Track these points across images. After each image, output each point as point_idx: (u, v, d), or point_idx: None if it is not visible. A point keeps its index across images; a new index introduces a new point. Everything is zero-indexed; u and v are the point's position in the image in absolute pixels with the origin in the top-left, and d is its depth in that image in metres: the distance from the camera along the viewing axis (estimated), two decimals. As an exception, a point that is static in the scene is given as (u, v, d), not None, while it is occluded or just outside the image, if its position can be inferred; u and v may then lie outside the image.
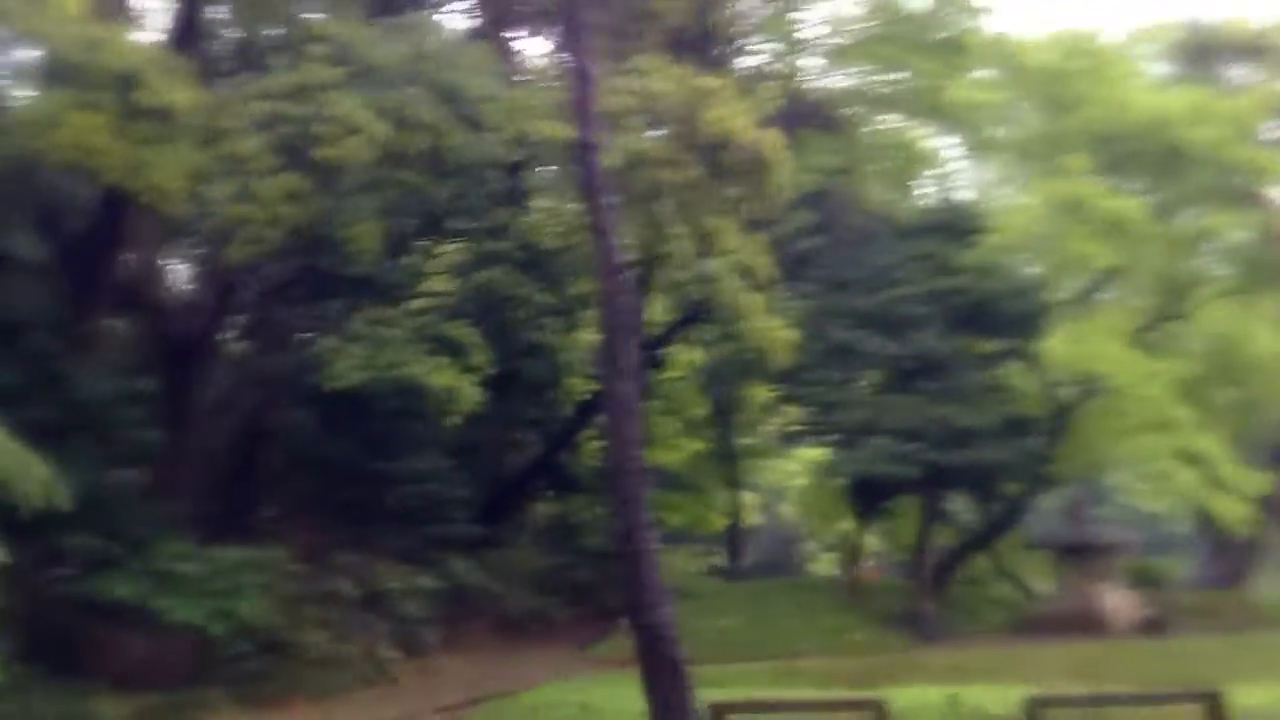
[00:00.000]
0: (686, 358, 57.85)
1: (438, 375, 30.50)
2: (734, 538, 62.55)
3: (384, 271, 34.13)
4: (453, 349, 32.13)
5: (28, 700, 25.93)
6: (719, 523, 65.48)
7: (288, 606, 31.79)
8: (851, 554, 47.76)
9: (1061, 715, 22.00)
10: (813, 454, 73.87)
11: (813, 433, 47.55)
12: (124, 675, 28.56)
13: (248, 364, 46.75)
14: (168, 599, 28.32)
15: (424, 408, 32.69)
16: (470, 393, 31.37)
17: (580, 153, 19.43)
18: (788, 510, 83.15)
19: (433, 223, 36.52)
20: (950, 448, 38.74)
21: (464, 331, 32.64)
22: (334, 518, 43.41)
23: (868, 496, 43.18)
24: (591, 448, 57.29)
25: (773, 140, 32.29)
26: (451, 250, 34.32)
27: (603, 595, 48.49)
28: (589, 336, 42.37)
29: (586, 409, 50.79)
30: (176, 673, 29.34)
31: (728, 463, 60.81)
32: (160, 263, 37.20)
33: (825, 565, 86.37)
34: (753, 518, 74.17)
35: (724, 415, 59.41)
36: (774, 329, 35.08)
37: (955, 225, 44.05)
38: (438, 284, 33.97)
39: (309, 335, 41.89)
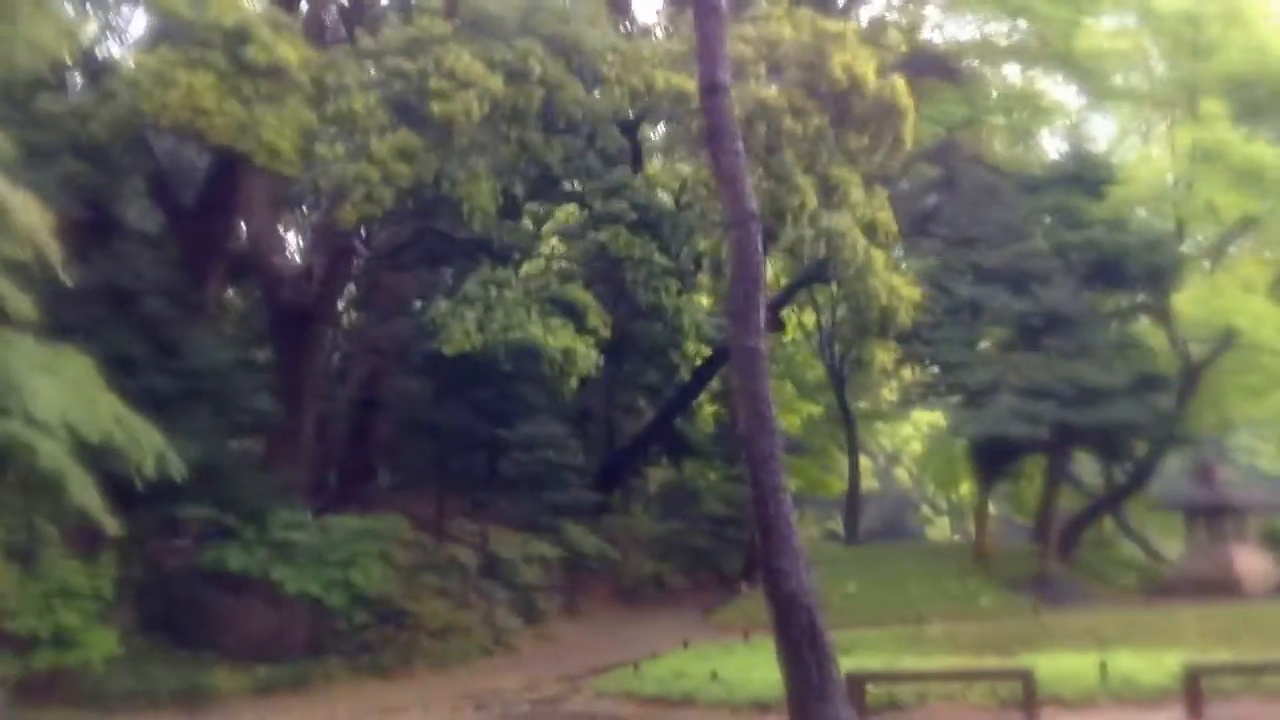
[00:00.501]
0: (801, 320, 56.48)
1: (554, 338, 29.36)
2: (851, 502, 60.88)
3: (498, 233, 33.01)
4: (568, 311, 30.97)
5: (146, 672, 25.50)
6: (836, 487, 64.00)
7: (405, 576, 31.10)
8: (976, 517, 45.76)
9: (1221, 684, 20.64)
10: (929, 417, 72.41)
11: (936, 393, 45.62)
12: (241, 647, 28.08)
13: (360, 333, 46.36)
14: (284, 569, 27.63)
15: (539, 372, 31.53)
16: (588, 355, 30.24)
17: (707, 95, 18.03)
18: (902, 475, 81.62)
19: (546, 183, 35.31)
20: (1079, 407, 36.62)
21: (579, 293, 31.50)
22: (448, 486, 42.82)
23: (992, 458, 41.25)
24: (706, 413, 56.32)
25: (901, 87, 30.63)
26: (565, 211, 32.96)
27: (720, 561, 47.62)
28: (705, 299, 41.02)
29: (702, 373, 49.61)
30: (294, 644, 28.85)
31: (845, 426, 59.12)
32: (274, 230, 36.46)
33: (940, 529, 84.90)
34: (868, 482, 72.50)
35: (840, 378, 57.72)
36: (898, 287, 33.47)
37: (1083, 177, 41.87)
38: (551, 246, 32.66)
39: (421, 302, 41.20)
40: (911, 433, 76.91)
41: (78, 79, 29.71)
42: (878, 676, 21.73)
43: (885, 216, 32.54)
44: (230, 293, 37.74)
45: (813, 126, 29.97)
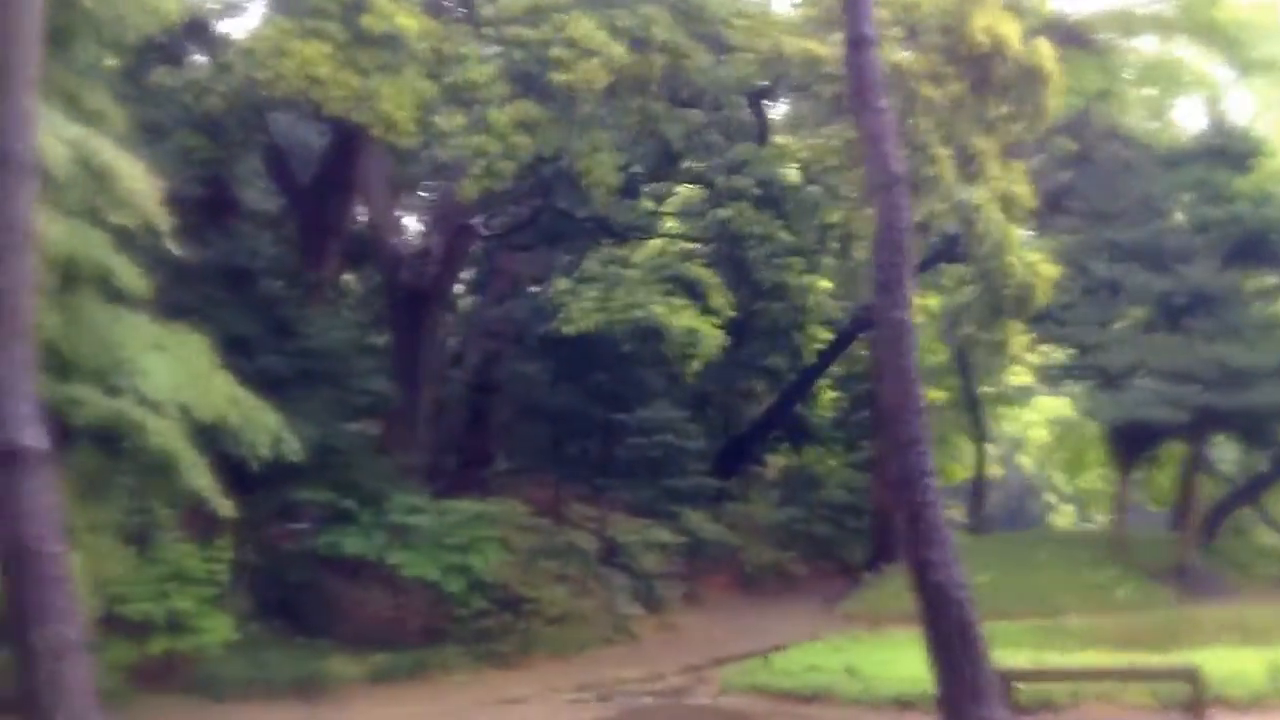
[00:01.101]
0: (923, 301, 54.59)
1: (678, 317, 28.10)
2: (977, 490, 59.03)
3: (618, 210, 31.91)
4: (690, 291, 29.75)
5: (261, 659, 24.66)
6: (961, 474, 62.11)
7: (523, 561, 30.16)
8: (1112, 505, 43.43)
9: None
10: (1054, 402, 70.17)
11: (1071, 376, 43.29)
12: (358, 633, 27.42)
13: (477, 315, 45.64)
14: (402, 554, 26.72)
15: (659, 354, 30.42)
16: (712, 336, 28.95)
17: (853, 49, 16.67)
18: (1025, 461, 79.12)
19: (666, 160, 34.13)
20: (1223, 390, 34.51)
21: (702, 272, 30.26)
22: (564, 471, 42.02)
23: (1130, 443, 39.11)
24: (825, 399, 54.85)
25: (1046, 50, 28.79)
26: (688, 188, 31.73)
27: (842, 549, 46.24)
28: (825, 282, 39.44)
29: (825, 357, 48.28)
30: (411, 630, 28.19)
31: (970, 411, 57.26)
32: (391, 210, 35.64)
33: (1064, 518, 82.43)
34: (991, 469, 70.42)
35: (966, 362, 55.79)
36: (1035, 264, 31.61)
37: (1227, 151, 39.61)
38: (673, 224, 31.49)
39: (538, 284, 40.37)
40: (1035, 419, 74.78)
41: (195, 54, 28.94)
42: (1029, 674, 20.32)
43: (1022, 191, 30.72)
44: (347, 274, 36.90)
45: (951, 93, 28.22)
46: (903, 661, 20.83)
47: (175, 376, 18.22)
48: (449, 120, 25.04)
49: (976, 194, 28.53)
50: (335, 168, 31.78)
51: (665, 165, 34.32)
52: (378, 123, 24.05)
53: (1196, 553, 38.11)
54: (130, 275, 17.96)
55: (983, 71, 28.24)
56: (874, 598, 35.42)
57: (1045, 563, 37.44)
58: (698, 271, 30.35)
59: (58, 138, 15.06)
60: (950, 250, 38.59)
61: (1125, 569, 36.54)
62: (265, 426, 20.05)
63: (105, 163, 16.27)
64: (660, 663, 27.85)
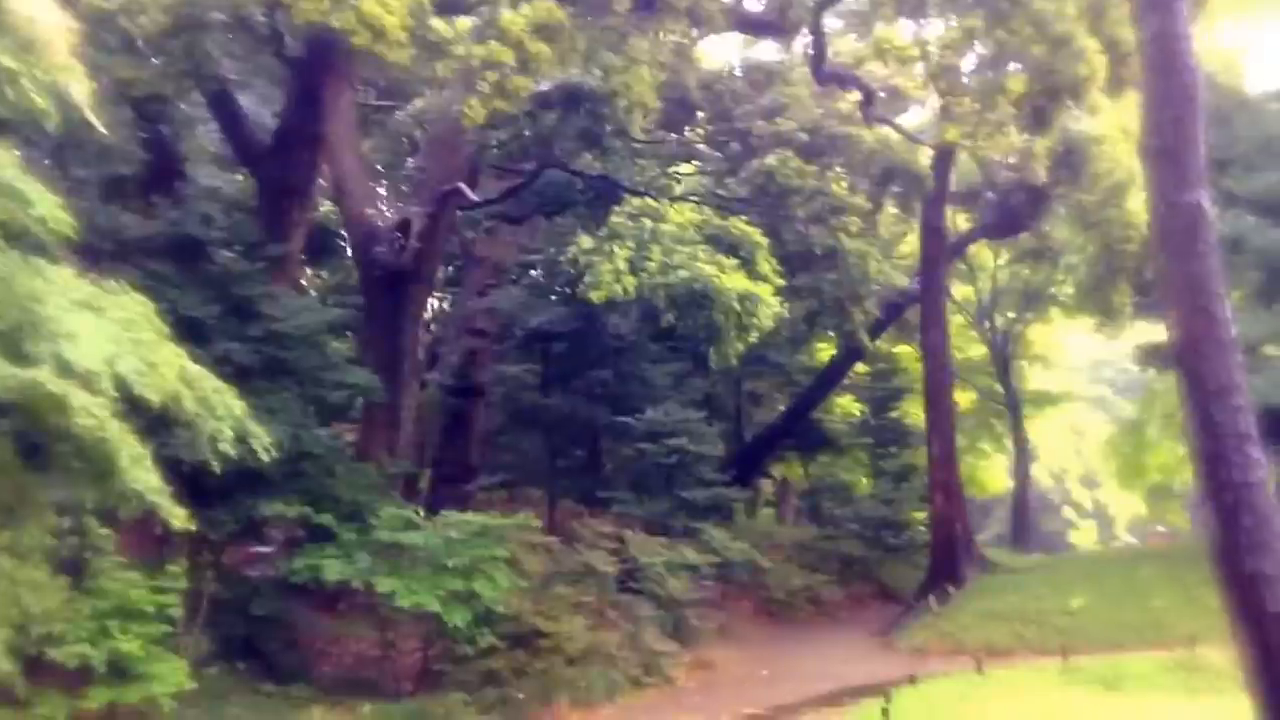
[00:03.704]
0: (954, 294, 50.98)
1: (730, 279, 24.01)
2: (1020, 503, 55.52)
3: (629, 169, 27.94)
4: (733, 254, 25.65)
5: (223, 711, 20.71)
6: (997, 486, 58.63)
7: (536, 588, 26.06)
8: None
9: None
10: (1072, 408, 66.79)
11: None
12: (340, 678, 23.83)
13: (456, 310, 42.04)
14: (393, 580, 22.62)
15: (707, 325, 25.83)
16: (770, 303, 24.88)
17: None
18: (1040, 475, 75.79)
19: (685, 108, 30.14)
20: None
21: (748, 229, 26.18)
22: (560, 483, 38.36)
23: None
24: (844, 402, 51.24)
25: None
26: (721, 131, 27.76)
27: (878, 570, 42.56)
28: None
29: (850, 354, 44.66)
30: (405, 674, 24.23)
31: (1009, 412, 53.76)
32: (363, 175, 31.48)
33: (1085, 535, 79.20)
34: (1005, 481, 67.05)
35: (1004, 357, 52.42)
36: None
37: None
38: (694, 181, 27.48)
39: (534, 260, 36.65)
40: (1054, 428, 71.64)
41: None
42: None
43: (1137, 125, 26.72)
44: (318, 245, 32.77)
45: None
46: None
47: (110, 343, 14.14)
48: (449, 26, 20.84)
49: (1088, 123, 24.48)
50: (299, 121, 27.83)
51: (682, 116, 30.34)
52: (361, 30, 19.86)
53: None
54: (49, 207, 13.97)
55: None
56: (943, 627, 31.71)
57: (1150, 584, 33.55)
58: (742, 229, 26.22)
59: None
60: (1010, 220, 34.68)
61: None
62: (228, 413, 16.00)
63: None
64: (710, 712, 23.88)
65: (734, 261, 24.94)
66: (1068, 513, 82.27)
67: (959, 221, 42.97)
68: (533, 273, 39.14)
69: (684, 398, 38.52)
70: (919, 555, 42.26)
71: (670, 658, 27.83)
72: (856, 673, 27.59)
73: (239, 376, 21.91)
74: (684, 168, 30.90)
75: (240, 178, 31.38)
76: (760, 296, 24.43)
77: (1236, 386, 11.60)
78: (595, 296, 24.88)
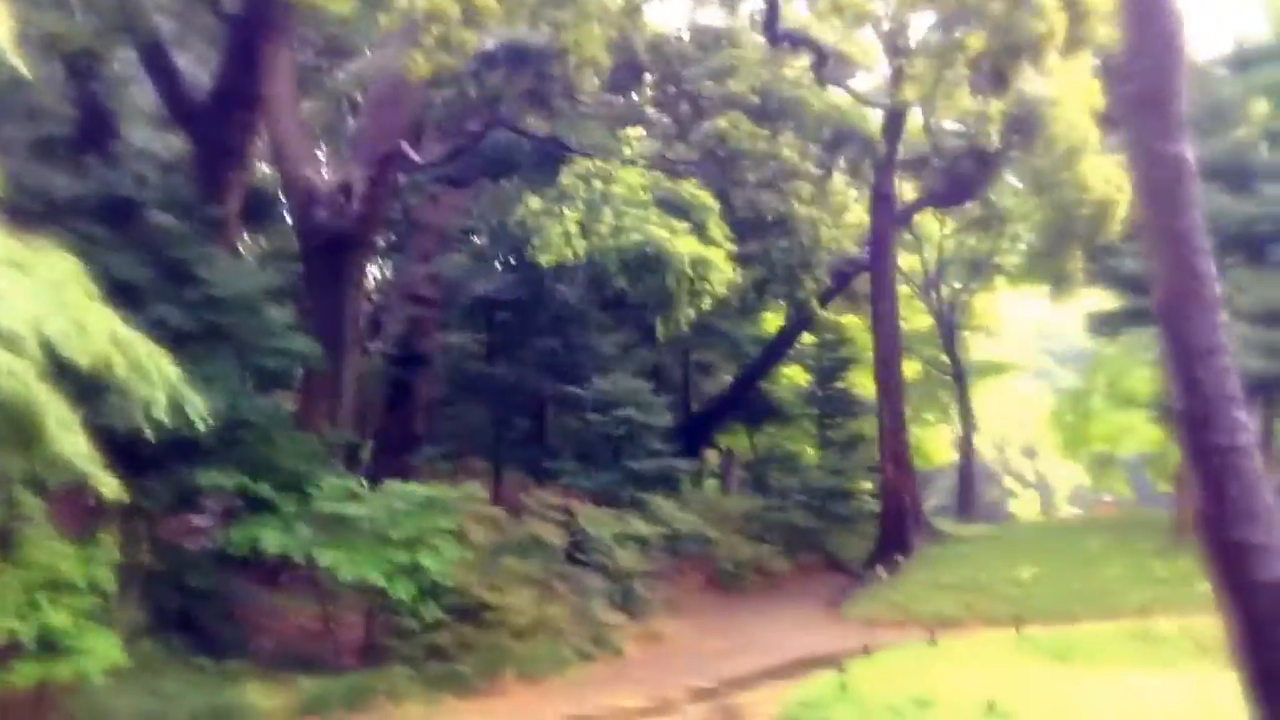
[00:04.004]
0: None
1: (682, 243, 23.37)
2: (965, 474, 55.43)
3: (580, 130, 27.28)
4: (685, 216, 25.00)
5: (158, 688, 19.94)
6: (941, 456, 58.53)
7: (484, 560, 25.46)
8: (1177, 480, 38.84)
9: None
10: (1009, 380, 66.85)
11: (1135, 322, 38.31)
12: (280, 653, 22.95)
13: (398, 277, 41.25)
14: (335, 552, 21.93)
15: (659, 291, 25.17)
16: (724, 268, 24.31)
17: None
18: (982, 446, 75.85)
19: (633, 71, 29.48)
20: None
21: (699, 193, 25.58)
22: (505, 454, 37.68)
23: None
24: (791, 372, 50.83)
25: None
26: (670, 94, 27.14)
27: (825, 540, 42.22)
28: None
29: (800, 322, 44.25)
30: (348, 649, 23.53)
31: (955, 383, 53.58)
32: (304, 135, 30.60)
33: (1027, 506, 79.48)
34: (950, 454, 67.02)
35: (950, 327, 52.19)
36: (1113, 176, 27.14)
37: None
38: (640, 145, 26.81)
39: (480, 225, 35.94)
40: (996, 399, 71.72)
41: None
42: None
43: (1093, 87, 26.29)
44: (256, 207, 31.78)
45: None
46: (1046, 688, 16.57)
47: (36, 303, 13.39)
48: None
49: (1041, 86, 24.03)
50: (236, 79, 26.93)
51: (629, 79, 29.68)
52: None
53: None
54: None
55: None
56: (893, 598, 31.46)
57: (1100, 554, 33.51)
58: (693, 193, 25.59)
59: None
60: (958, 190, 34.29)
61: (1197, 558, 32.50)
62: (162, 379, 15.25)
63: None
64: (660, 686, 23.38)
65: (685, 225, 24.31)
66: (1009, 483, 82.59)
67: (906, 190, 42.55)
68: (478, 239, 38.35)
69: (632, 368, 37.98)
70: (866, 525, 42.05)
71: (619, 630, 27.39)
72: (807, 644, 27.30)
73: (174, 342, 20.91)
74: (632, 131, 30.20)
75: (176, 139, 30.41)
76: (712, 261, 23.83)
77: (1221, 346, 11.12)
78: (544, 260, 24.24)
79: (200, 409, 16.84)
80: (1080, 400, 49.43)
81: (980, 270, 54.11)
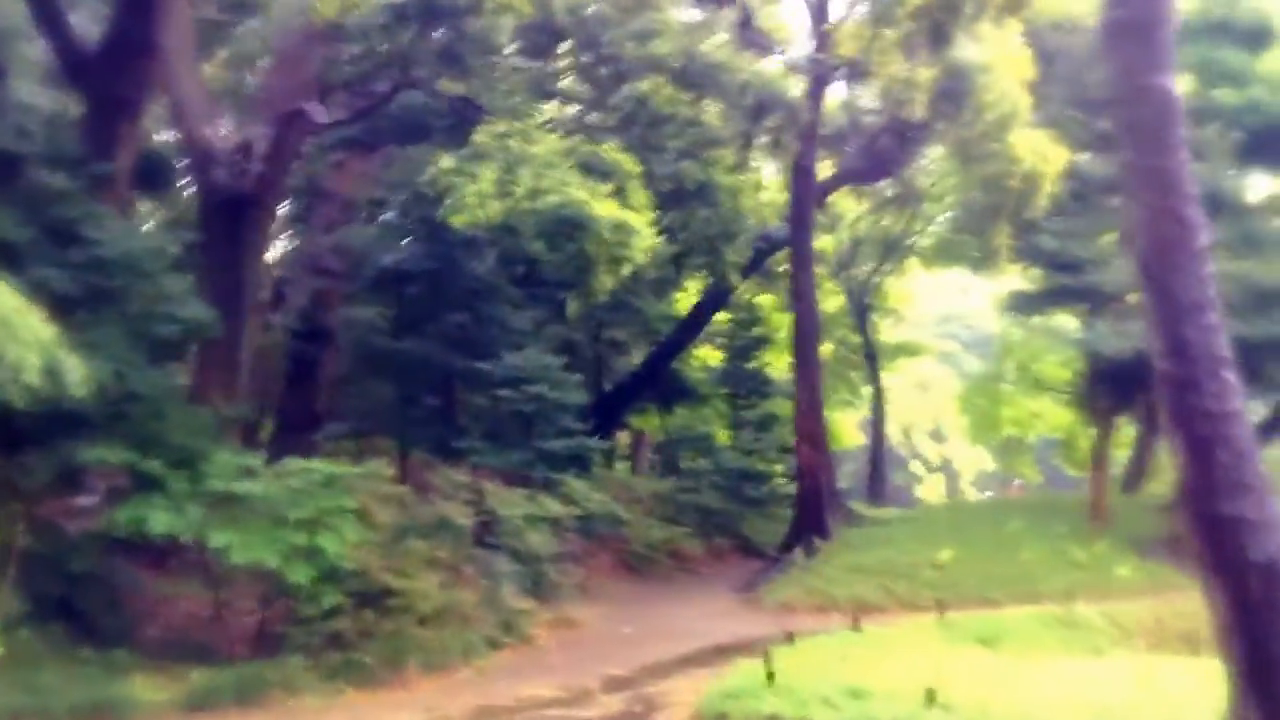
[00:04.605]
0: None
1: (603, 206, 21.87)
2: (876, 455, 54.60)
3: (493, 94, 25.75)
4: (605, 179, 23.50)
5: (35, 680, 18.25)
6: (849, 439, 57.69)
7: (387, 542, 23.92)
8: (1094, 466, 38.12)
9: None
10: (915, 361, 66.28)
11: (1056, 301, 37.63)
12: (168, 642, 21.28)
13: (302, 248, 39.44)
14: (228, 534, 20.24)
15: (580, 259, 23.47)
16: (646, 234, 22.85)
17: None
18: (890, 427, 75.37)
19: (551, 36, 28.00)
20: (1248, 316, 28.78)
21: (620, 157, 24.13)
22: (411, 433, 35.97)
23: (1122, 386, 33.74)
24: (703, 353, 49.66)
25: None
26: (589, 59, 25.68)
27: (739, 523, 41.12)
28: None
29: (714, 298, 43.01)
30: (240, 638, 21.92)
31: (867, 364, 52.65)
32: (202, 91, 28.62)
33: (932, 490, 79.16)
34: (857, 437, 66.40)
35: (862, 307, 51.23)
36: (1042, 147, 26.06)
37: (1232, 26, 34.41)
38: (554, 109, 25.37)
39: (388, 196, 34.32)
40: (903, 381, 71.21)
41: None
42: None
43: (1024, 57, 25.22)
44: (149, 166, 29.78)
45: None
46: (976, 677, 15.78)
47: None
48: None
49: (970, 52, 22.92)
50: (129, 27, 25.07)
51: (548, 43, 28.20)
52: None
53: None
54: None
55: None
56: (811, 582, 30.43)
57: (1018, 538, 32.89)
58: (614, 156, 24.11)
59: None
60: (875, 167, 33.05)
61: (1113, 542, 32.02)
62: (34, 340, 13.59)
63: None
64: (574, 674, 22.01)
65: (607, 188, 22.86)
66: (915, 466, 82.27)
67: (824, 168, 41.43)
68: (386, 212, 36.63)
69: (543, 345, 36.54)
70: (780, 508, 41.01)
71: (530, 616, 25.92)
72: (724, 630, 26.22)
73: (57, 307, 19.67)
74: (550, 101, 28.74)
75: (66, 96, 28.41)
76: (633, 226, 22.39)
77: (1209, 301, 10.01)
78: (456, 221, 22.60)
79: (79, 375, 15.28)
80: (990, 384, 48.95)
81: (894, 251, 53.22)
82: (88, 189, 23.07)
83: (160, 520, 20.03)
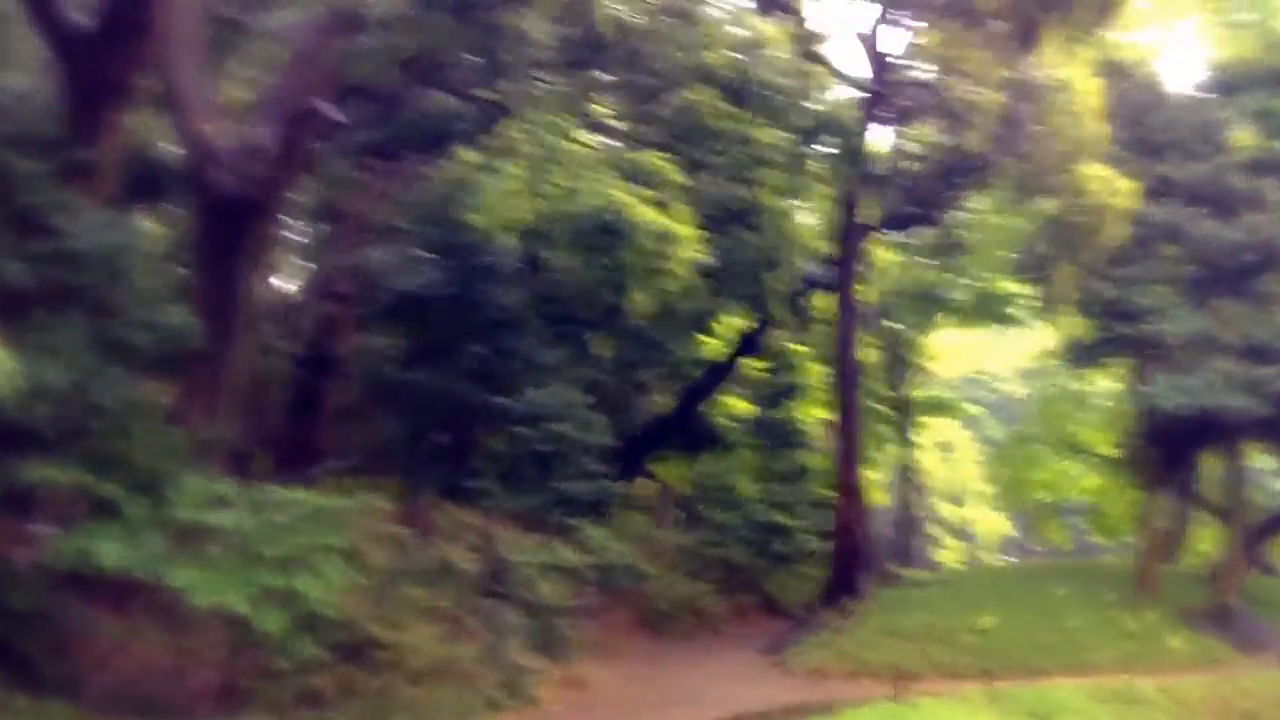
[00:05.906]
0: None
1: (645, 210, 18.65)
2: (904, 515, 51.41)
3: (525, 100, 22.61)
4: (648, 187, 20.41)
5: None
6: (880, 498, 54.33)
7: (379, 587, 20.50)
8: (1143, 531, 34.68)
9: None
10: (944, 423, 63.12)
11: (1110, 352, 34.37)
12: (120, 693, 17.95)
13: (315, 271, 36.56)
14: (190, 571, 16.94)
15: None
16: (692, 240, 19.66)
17: None
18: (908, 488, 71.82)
19: (592, 48, 24.90)
20: None
21: (662, 164, 21.02)
22: (421, 470, 32.72)
23: (1179, 444, 30.85)
24: (730, 400, 46.43)
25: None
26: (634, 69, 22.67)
27: (764, 581, 38.04)
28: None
29: (751, 339, 39.98)
30: (202, 691, 18.50)
31: (894, 422, 49.48)
32: (204, 85, 25.41)
33: (950, 555, 75.45)
34: (880, 497, 62.85)
35: (898, 358, 48.17)
36: (1110, 184, 23.09)
37: None
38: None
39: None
40: (923, 442, 67.69)
41: None
42: None
43: (1093, 85, 22.29)
44: (135, 156, 26.46)
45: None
46: None
47: None
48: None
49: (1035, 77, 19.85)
50: (123, 7, 21.91)
51: (589, 54, 25.11)
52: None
53: (1236, 592, 30.66)
54: None
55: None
56: (844, 646, 27.33)
57: (1062, 603, 30.56)
58: (656, 163, 20.93)
59: None
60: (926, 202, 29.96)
61: (1164, 612, 28.97)
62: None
63: None
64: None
65: (648, 194, 19.66)
66: (932, 529, 78.62)
67: (867, 206, 38.40)
68: (405, 234, 33.62)
69: (568, 385, 33.46)
70: (807, 565, 37.89)
71: (537, 675, 22.50)
72: (752, 697, 23.50)
73: (11, 303, 16.65)
74: (590, 108, 25.92)
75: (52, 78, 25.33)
76: (678, 234, 19.14)
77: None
78: (484, 221, 19.30)
79: (8, 367, 12.20)
80: (1021, 446, 46.02)
81: (929, 304, 50.10)
82: (59, 173, 19.83)
83: (110, 552, 16.70)
